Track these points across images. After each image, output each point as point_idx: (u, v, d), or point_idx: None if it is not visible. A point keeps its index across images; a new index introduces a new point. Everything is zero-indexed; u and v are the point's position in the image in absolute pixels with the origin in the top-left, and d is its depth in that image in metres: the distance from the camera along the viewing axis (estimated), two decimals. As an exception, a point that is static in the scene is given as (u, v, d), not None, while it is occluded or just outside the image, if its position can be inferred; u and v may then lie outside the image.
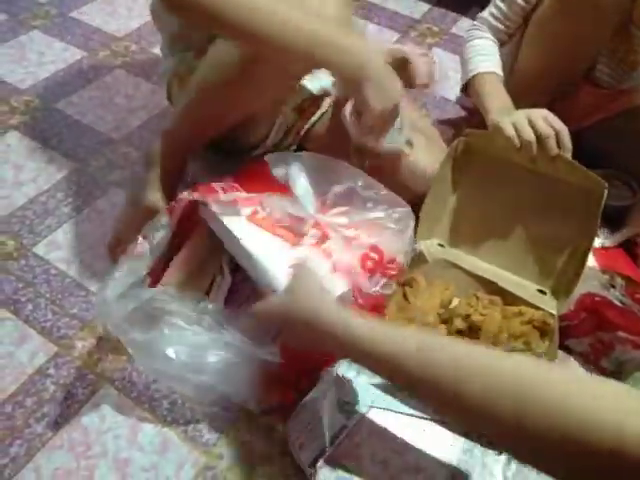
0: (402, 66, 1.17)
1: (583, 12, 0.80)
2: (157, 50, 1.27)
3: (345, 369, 0.67)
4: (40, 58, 1.23)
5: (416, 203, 0.84)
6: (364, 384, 0.67)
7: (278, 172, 0.79)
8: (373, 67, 0.65)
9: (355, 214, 0.78)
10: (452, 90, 1.22)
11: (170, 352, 0.65)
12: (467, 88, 0.92)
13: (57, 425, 0.69)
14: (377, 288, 0.76)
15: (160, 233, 0.72)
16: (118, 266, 0.68)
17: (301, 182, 0.78)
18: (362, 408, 0.63)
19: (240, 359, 0.67)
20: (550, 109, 0.95)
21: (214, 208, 0.71)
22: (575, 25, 0.82)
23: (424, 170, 0.86)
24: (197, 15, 0.65)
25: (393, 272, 0.78)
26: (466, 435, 0.72)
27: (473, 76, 0.89)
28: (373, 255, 0.75)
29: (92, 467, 0.66)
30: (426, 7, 1.48)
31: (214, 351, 0.66)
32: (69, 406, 0.70)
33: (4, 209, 0.92)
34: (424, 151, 0.89)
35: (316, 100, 0.94)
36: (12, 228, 0.90)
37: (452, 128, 1.13)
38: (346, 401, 0.63)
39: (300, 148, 0.95)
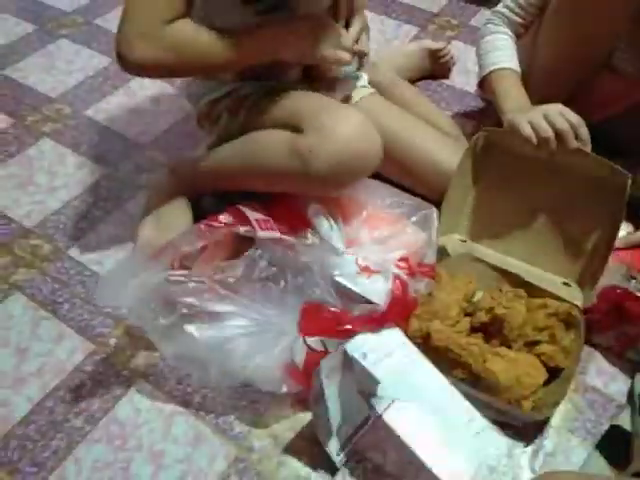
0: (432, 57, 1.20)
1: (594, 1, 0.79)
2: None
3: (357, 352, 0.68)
4: (69, 66, 1.27)
5: (440, 202, 0.86)
6: (383, 373, 0.68)
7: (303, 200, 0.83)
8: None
9: (383, 232, 0.80)
10: (472, 83, 1.22)
11: (192, 330, 0.67)
12: (483, 83, 0.91)
13: (95, 419, 0.72)
14: (422, 287, 0.79)
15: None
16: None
17: (323, 222, 0.81)
18: (384, 400, 0.64)
19: (263, 340, 0.69)
20: (571, 100, 0.95)
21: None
22: (592, 12, 0.82)
23: (449, 170, 0.87)
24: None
25: (430, 273, 0.80)
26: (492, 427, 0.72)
27: (489, 72, 0.88)
28: (403, 264, 0.77)
29: (129, 459, 0.69)
30: (444, 0, 1.48)
31: (236, 323, 0.69)
32: (106, 401, 0.74)
33: (39, 214, 0.96)
34: (449, 152, 0.90)
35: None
36: (47, 232, 0.94)
37: (472, 121, 1.13)
38: (366, 391, 0.64)
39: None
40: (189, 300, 0.67)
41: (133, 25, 0.68)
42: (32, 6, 1.44)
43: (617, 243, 0.79)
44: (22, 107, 1.16)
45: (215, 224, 0.73)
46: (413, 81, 1.19)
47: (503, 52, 0.89)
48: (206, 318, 0.69)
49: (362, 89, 0.97)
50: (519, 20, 0.91)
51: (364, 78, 0.99)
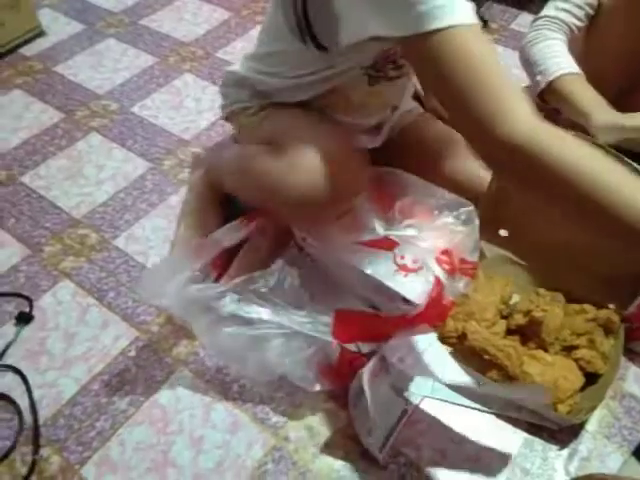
0: None
1: None
2: (220, 54, 1.34)
3: (394, 357, 0.70)
4: (115, 65, 1.31)
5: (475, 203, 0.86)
6: (418, 373, 0.69)
7: None
8: None
9: (422, 223, 0.81)
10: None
11: (230, 330, 0.70)
12: (546, 91, 0.84)
13: (138, 403, 0.75)
14: (461, 287, 0.79)
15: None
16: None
17: (365, 205, 0.81)
18: (416, 397, 0.65)
19: (298, 341, 0.71)
20: (617, 103, 0.93)
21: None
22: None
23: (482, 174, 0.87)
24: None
25: (470, 270, 0.80)
26: (526, 428, 0.73)
27: (556, 78, 0.82)
28: (445, 258, 0.77)
29: (170, 442, 0.71)
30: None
31: (273, 330, 0.71)
32: (149, 386, 0.76)
33: (88, 205, 1.00)
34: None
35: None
36: (95, 222, 0.97)
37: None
38: (400, 387, 0.65)
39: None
40: (226, 308, 0.69)
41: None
42: (81, 6, 1.49)
43: None
44: (71, 103, 1.21)
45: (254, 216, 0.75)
46: None
47: (565, 58, 0.84)
48: (245, 321, 0.71)
49: (404, 116, 0.95)
50: (576, 22, 0.86)
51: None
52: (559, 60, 0.84)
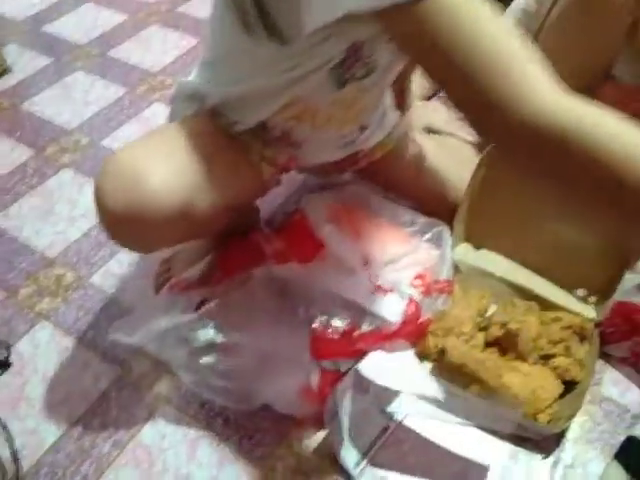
0: None
1: (598, 14, 0.81)
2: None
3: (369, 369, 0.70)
4: (84, 97, 1.31)
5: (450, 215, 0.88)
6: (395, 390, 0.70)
7: (316, 222, 0.86)
8: None
9: (395, 251, 0.82)
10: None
11: (209, 361, 0.70)
12: None
13: (122, 444, 0.74)
14: (439, 304, 0.81)
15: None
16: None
17: (335, 239, 0.83)
18: (399, 414, 0.66)
19: (278, 366, 0.72)
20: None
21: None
22: (587, 29, 0.84)
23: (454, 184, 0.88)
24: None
25: (447, 288, 0.82)
26: (510, 440, 0.74)
27: None
28: (419, 282, 0.79)
29: (156, 482, 0.71)
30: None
31: (250, 352, 0.71)
32: (132, 426, 0.76)
33: (61, 243, 0.99)
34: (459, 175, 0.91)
35: (354, 156, 0.89)
36: (69, 261, 0.97)
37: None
38: (381, 404, 0.66)
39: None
40: (203, 338, 0.69)
41: None
42: (48, 40, 1.49)
43: None
44: (41, 139, 1.20)
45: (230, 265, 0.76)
46: (427, 98, 1.22)
47: None
48: (222, 348, 0.71)
49: (384, 141, 0.91)
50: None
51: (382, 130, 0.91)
52: None
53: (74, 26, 1.54)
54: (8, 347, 0.84)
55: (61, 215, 1.05)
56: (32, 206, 1.06)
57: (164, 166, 0.63)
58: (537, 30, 0.92)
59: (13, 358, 0.83)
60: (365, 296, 0.80)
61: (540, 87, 0.46)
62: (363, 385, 0.70)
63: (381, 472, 0.68)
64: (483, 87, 0.45)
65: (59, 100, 1.30)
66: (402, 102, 1.03)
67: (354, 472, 0.69)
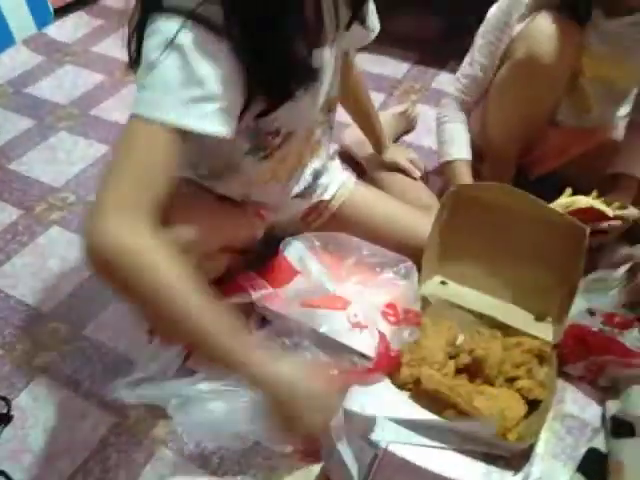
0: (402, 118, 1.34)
1: (537, 77, 0.92)
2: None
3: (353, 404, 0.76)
4: (69, 156, 1.38)
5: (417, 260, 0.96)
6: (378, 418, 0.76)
7: (293, 257, 0.93)
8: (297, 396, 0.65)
9: (367, 280, 0.90)
10: (435, 141, 1.34)
11: (201, 406, 0.75)
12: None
13: (123, 488, 0.79)
14: (406, 336, 0.87)
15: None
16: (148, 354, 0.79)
17: (315, 266, 0.90)
18: (382, 443, 0.72)
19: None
20: (522, 157, 1.08)
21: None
22: (530, 89, 0.94)
23: (420, 237, 0.97)
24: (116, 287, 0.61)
25: (415, 319, 0.89)
26: (483, 460, 0.80)
27: (445, 162, 1.06)
28: (390, 311, 0.86)
29: (157, 523, 0.75)
30: (407, 67, 1.63)
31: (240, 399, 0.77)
32: (131, 470, 0.80)
33: (54, 299, 1.05)
34: (419, 222, 1.00)
35: (316, 209, 1.03)
36: (63, 315, 1.02)
37: (440, 176, 1.25)
38: (366, 434, 0.72)
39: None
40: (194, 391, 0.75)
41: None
42: (31, 102, 1.56)
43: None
44: (29, 198, 1.26)
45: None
46: (397, 139, 1.35)
47: (457, 145, 1.05)
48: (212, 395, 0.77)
49: (340, 192, 1.03)
50: (468, 99, 1.05)
51: (336, 180, 1.03)
52: (451, 147, 1.05)
53: (55, 88, 1.62)
54: (8, 402, 0.88)
55: (53, 271, 1.10)
56: (25, 263, 1.11)
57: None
58: (485, 91, 1.04)
59: (14, 412, 0.87)
60: (344, 334, 0.87)
61: (116, 221, 0.56)
62: (348, 418, 0.75)
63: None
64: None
65: (45, 160, 1.37)
66: (378, 143, 1.14)
67: None
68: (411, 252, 0.96)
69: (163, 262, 0.58)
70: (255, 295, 0.90)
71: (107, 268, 0.57)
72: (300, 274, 0.94)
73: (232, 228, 0.88)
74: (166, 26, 0.58)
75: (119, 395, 0.72)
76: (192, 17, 0.58)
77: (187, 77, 0.58)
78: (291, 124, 0.78)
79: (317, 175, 0.98)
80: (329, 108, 0.88)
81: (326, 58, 0.76)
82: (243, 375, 0.64)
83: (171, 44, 0.57)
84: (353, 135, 1.26)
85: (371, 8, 0.87)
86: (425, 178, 1.21)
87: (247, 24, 0.60)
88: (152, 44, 0.59)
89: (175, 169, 0.61)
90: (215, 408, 0.76)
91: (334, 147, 1.17)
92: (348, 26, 0.79)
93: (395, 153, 1.20)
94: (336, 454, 0.74)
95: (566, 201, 0.95)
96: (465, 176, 1.03)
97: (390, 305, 0.89)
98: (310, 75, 0.70)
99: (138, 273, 0.56)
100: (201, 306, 0.59)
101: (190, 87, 0.58)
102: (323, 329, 0.86)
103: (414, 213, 1.03)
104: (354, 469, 0.73)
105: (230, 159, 0.80)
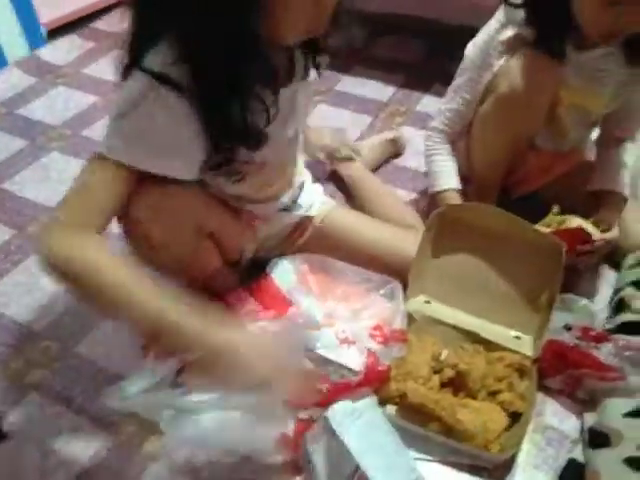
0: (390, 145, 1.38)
1: (519, 110, 0.97)
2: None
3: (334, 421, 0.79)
4: (61, 176, 1.40)
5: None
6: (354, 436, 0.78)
7: (281, 282, 0.96)
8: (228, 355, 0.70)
9: (355, 305, 0.93)
10: (422, 163, 1.38)
11: (193, 420, 0.77)
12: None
13: (116, 503, 0.80)
14: (395, 352, 0.90)
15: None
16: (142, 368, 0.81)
17: (304, 298, 0.94)
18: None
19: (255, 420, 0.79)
20: (505, 180, 1.13)
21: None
22: (512, 121, 1.00)
23: (404, 255, 1.01)
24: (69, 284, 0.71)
25: (401, 337, 0.92)
26: (468, 471, 0.83)
27: (435, 193, 1.10)
28: (377, 333, 0.90)
29: (149, 537, 0.77)
30: (392, 90, 1.68)
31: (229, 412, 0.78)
32: (124, 485, 0.82)
33: (46, 317, 1.06)
34: (403, 240, 1.04)
35: (300, 227, 1.07)
36: (55, 333, 1.03)
37: (425, 198, 1.29)
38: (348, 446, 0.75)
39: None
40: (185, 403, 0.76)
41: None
42: (23, 123, 1.58)
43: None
44: (22, 218, 1.28)
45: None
46: (374, 169, 1.36)
47: (444, 177, 1.10)
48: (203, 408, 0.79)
49: (323, 207, 1.08)
50: (452, 132, 1.10)
51: (318, 200, 1.09)
52: (440, 178, 1.10)
53: (47, 108, 1.64)
54: (1, 419, 0.89)
55: (45, 289, 1.11)
56: (17, 282, 1.13)
57: None
58: (468, 123, 1.09)
59: (7, 429, 0.88)
60: (332, 348, 0.89)
61: (59, 234, 0.70)
62: (330, 430, 0.78)
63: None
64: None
65: (37, 179, 1.39)
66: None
67: None
68: (395, 271, 0.99)
69: (105, 266, 0.68)
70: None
71: (60, 275, 0.69)
72: (291, 306, 0.96)
73: (226, 227, 0.92)
74: (137, 84, 0.68)
75: (110, 404, 0.74)
76: (159, 78, 0.67)
77: (151, 130, 0.69)
78: (263, 155, 0.82)
79: (302, 189, 1.05)
80: (297, 136, 0.95)
81: (291, 95, 0.83)
82: (198, 345, 0.69)
83: (140, 99, 0.68)
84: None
85: None
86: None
87: (210, 86, 0.69)
88: (125, 96, 0.70)
89: (123, 197, 0.74)
90: (205, 421, 0.78)
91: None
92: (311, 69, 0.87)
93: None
94: (312, 462, 0.77)
95: (560, 218, 1.00)
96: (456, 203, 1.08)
97: (377, 327, 0.92)
98: (262, 139, 0.77)
99: (85, 276, 0.67)
100: (145, 295, 0.68)
101: (154, 138, 0.70)
102: (313, 345, 0.88)
103: (398, 233, 1.07)
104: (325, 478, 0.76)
105: (204, 179, 0.85)
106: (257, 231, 1.01)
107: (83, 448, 0.86)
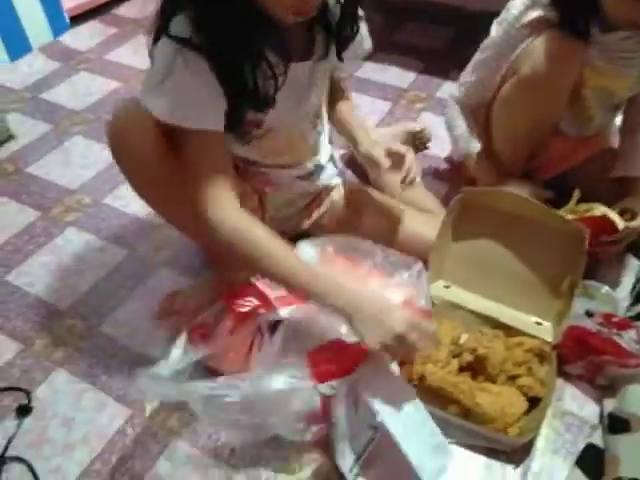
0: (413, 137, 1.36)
1: (542, 92, 0.96)
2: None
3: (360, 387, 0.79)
4: (84, 160, 1.42)
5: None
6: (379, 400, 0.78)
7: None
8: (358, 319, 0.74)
9: (383, 282, 0.93)
10: (442, 149, 1.38)
11: (225, 399, 0.77)
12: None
13: (139, 477, 0.82)
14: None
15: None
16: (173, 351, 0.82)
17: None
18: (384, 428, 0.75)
19: (283, 399, 0.80)
20: (528, 165, 1.12)
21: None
22: (535, 104, 0.99)
23: (425, 239, 1.01)
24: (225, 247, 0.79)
25: (429, 315, 0.91)
26: (485, 454, 0.83)
27: (464, 155, 1.10)
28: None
29: (172, 510, 0.79)
30: (412, 76, 1.67)
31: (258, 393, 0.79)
32: (147, 460, 0.84)
33: (71, 296, 1.08)
34: (424, 225, 1.04)
35: (318, 197, 1.08)
36: (80, 312, 1.06)
37: (445, 183, 1.29)
38: (369, 417, 0.76)
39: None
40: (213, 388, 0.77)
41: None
42: (47, 107, 1.61)
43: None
44: (46, 201, 1.30)
45: (240, 306, 0.85)
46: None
47: (467, 139, 1.09)
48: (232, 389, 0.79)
49: (340, 183, 1.10)
50: (468, 101, 1.10)
51: (336, 178, 1.10)
52: (464, 143, 1.09)
53: (70, 94, 1.67)
54: (28, 394, 0.91)
55: (69, 270, 1.14)
56: (42, 263, 1.15)
57: None
58: (490, 101, 1.07)
59: (34, 404, 0.91)
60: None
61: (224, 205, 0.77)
62: (353, 396, 0.78)
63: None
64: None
65: (60, 163, 1.41)
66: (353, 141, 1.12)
67: (349, 475, 0.78)
68: (415, 255, 0.99)
69: (261, 237, 0.77)
70: (283, 312, 0.91)
71: (226, 245, 0.78)
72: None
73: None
74: (165, 51, 0.73)
75: (139, 391, 0.76)
76: (182, 42, 0.72)
77: (188, 88, 0.74)
78: (272, 122, 0.87)
79: (319, 168, 1.05)
80: (316, 115, 0.97)
81: (309, 72, 0.87)
82: (333, 303, 0.75)
83: (171, 65, 0.73)
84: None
85: (362, 32, 0.93)
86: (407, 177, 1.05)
87: (224, 49, 0.73)
88: (157, 66, 0.74)
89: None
90: (234, 399, 0.78)
91: (336, 151, 1.17)
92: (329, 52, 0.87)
93: (372, 146, 1.06)
94: (335, 429, 0.77)
95: (586, 206, 0.99)
96: (484, 163, 1.08)
97: (406, 302, 0.92)
98: (268, 102, 0.81)
99: (250, 246, 0.76)
100: (295, 265, 0.77)
101: (192, 96, 0.75)
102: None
103: (418, 218, 1.07)
104: (348, 446, 0.77)
105: None
106: (267, 201, 1.02)
107: (107, 424, 0.88)
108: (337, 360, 0.80)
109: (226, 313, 0.87)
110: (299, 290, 0.78)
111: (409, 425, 0.76)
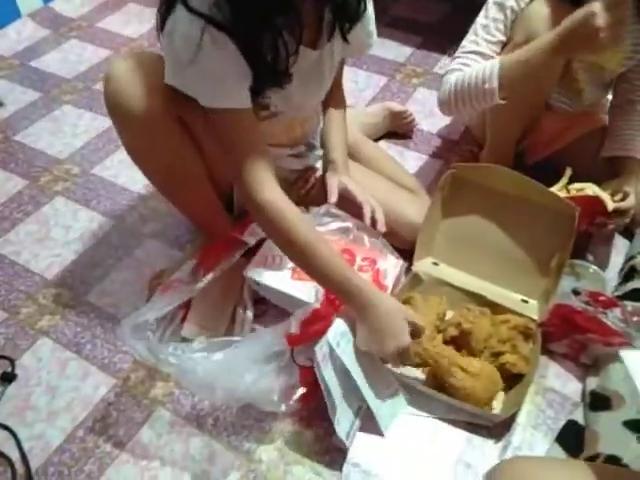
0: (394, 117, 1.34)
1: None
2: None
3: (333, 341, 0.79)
4: (73, 129, 1.40)
5: (403, 249, 1.00)
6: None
7: None
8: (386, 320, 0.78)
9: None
10: (436, 125, 1.37)
11: (200, 370, 0.78)
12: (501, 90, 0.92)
13: (122, 444, 0.82)
14: None
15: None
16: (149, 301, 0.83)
17: None
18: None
19: (260, 367, 0.80)
20: (520, 144, 1.10)
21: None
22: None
23: (416, 224, 1.00)
24: (267, 228, 0.82)
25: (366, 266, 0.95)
26: (466, 428, 0.84)
27: (498, 68, 0.91)
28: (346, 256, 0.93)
29: (154, 477, 0.79)
30: (409, 51, 1.64)
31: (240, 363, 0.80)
32: (130, 427, 0.84)
33: (58, 266, 1.08)
34: (416, 207, 1.03)
35: (306, 173, 1.07)
36: (66, 281, 1.05)
37: (439, 160, 1.27)
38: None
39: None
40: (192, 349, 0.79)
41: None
42: (36, 75, 1.58)
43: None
44: (34, 169, 1.29)
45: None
46: (376, 138, 1.32)
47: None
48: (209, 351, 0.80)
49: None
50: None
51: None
52: (482, 67, 0.94)
53: (60, 61, 1.64)
54: (12, 361, 0.91)
55: (57, 240, 1.13)
56: (29, 232, 1.14)
57: None
58: None
59: (18, 372, 0.91)
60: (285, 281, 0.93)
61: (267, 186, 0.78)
62: (331, 353, 0.78)
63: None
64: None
65: (50, 132, 1.39)
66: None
67: (346, 442, 0.79)
68: (398, 232, 0.99)
69: (299, 221, 0.78)
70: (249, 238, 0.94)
71: (270, 221, 0.79)
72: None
73: (218, 159, 0.90)
74: (189, 28, 0.70)
75: (123, 340, 0.77)
76: (207, 19, 0.70)
77: (217, 68, 0.73)
78: (279, 106, 0.88)
79: (311, 147, 1.06)
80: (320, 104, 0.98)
81: (317, 61, 0.87)
82: (373, 308, 0.77)
83: (199, 43, 0.70)
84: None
85: (370, 17, 0.92)
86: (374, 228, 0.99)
87: (247, 25, 0.72)
88: (181, 43, 0.71)
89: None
90: (210, 360, 0.79)
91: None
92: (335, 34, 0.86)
93: (331, 176, 1.02)
94: (328, 395, 0.78)
95: (578, 186, 0.98)
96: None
97: (346, 250, 0.95)
98: (286, 77, 0.80)
99: (291, 225, 0.78)
100: (332, 258, 0.78)
101: (222, 75, 0.74)
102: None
103: (403, 194, 1.06)
104: (342, 413, 0.79)
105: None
106: None
107: (91, 392, 0.88)
108: (310, 325, 0.82)
109: (199, 269, 0.87)
110: (332, 284, 0.79)
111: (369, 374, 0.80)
